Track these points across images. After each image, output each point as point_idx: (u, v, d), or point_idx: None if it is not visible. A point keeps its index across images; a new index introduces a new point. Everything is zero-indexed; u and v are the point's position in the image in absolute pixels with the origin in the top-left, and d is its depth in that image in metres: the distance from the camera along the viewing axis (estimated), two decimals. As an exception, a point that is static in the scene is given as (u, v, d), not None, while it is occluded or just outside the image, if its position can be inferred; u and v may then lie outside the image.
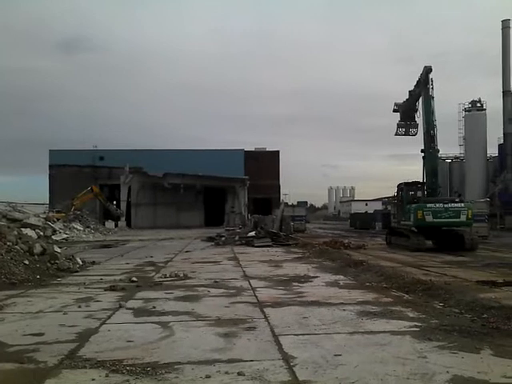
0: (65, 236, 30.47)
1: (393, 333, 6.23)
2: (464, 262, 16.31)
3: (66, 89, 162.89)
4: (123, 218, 52.04)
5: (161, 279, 11.65)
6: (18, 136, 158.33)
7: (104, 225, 46.22)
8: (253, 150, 66.01)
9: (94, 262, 15.51)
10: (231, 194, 58.49)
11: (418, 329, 6.46)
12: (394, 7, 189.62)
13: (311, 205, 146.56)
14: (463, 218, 21.29)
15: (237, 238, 26.63)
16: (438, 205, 21.49)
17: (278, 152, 66.64)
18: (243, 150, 63.44)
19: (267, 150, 67.10)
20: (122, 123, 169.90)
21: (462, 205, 22.06)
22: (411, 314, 7.41)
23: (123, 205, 54.82)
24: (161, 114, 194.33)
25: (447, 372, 4.68)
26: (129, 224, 53.52)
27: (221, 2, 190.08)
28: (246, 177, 57.74)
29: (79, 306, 8.23)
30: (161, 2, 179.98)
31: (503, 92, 52.58)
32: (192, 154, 59.02)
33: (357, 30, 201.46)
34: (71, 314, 7.62)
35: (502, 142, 54.06)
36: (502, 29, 52.41)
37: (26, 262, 11.87)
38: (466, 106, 56.34)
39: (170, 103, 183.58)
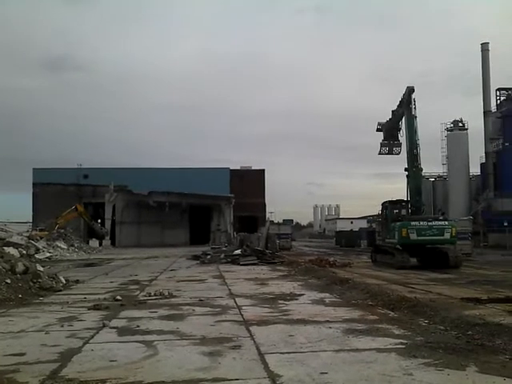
0: (48, 254, 30.08)
1: (378, 350, 6.22)
2: (449, 280, 16.39)
3: (51, 107, 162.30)
4: (108, 237, 51.63)
5: (145, 298, 11.53)
6: (1, 154, 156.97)
7: (88, 243, 45.81)
8: (238, 168, 66.20)
9: (77, 280, 15.32)
10: (217, 212, 58.40)
11: (403, 346, 6.46)
12: (377, 31, 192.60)
13: (297, 223, 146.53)
14: (447, 235, 21.45)
15: (222, 256, 26.52)
16: (422, 223, 21.65)
17: (263, 170, 66.96)
18: (229, 168, 63.64)
19: (253, 168, 67.33)
20: (107, 142, 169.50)
21: (446, 223, 22.26)
22: (397, 332, 7.41)
23: (108, 223, 54.39)
24: (147, 133, 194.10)
25: (433, 389, 4.68)
26: (113, 242, 53.10)
27: (207, 23, 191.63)
28: (232, 195, 57.79)
29: (62, 326, 8.11)
30: (148, 21, 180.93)
31: (484, 112, 53.49)
32: (178, 173, 58.99)
33: (341, 51, 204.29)
34: (54, 333, 7.50)
35: (483, 160, 54.89)
36: (482, 51, 53.48)
37: (8, 281, 11.68)
38: (448, 126, 57.15)
39: (156, 122, 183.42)
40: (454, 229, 21.76)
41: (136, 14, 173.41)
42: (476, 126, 76.78)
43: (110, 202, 55.00)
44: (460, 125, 56.56)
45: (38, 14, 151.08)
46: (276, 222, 55.91)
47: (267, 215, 65.84)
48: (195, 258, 27.61)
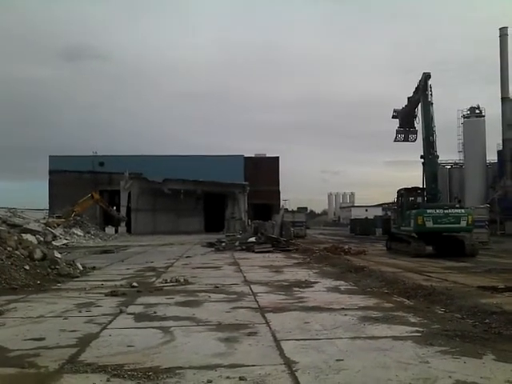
0: (65, 241, 30.46)
1: (395, 338, 6.22)
2: (465, 268, 16.29)
3: (67, 96, 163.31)
4: (123, 224, 52.05)
5: (161, 284, 11.63)
6: (18, 142, 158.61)
7: (104, 230, 46.22)
8: (253, 156, 66.06)
9: (94, 267, 15.50)
10: (231, 200, 58.50)
11: (419, 334, 6.44)
12: (392, 19, 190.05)
13: (311, 211, 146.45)
14: (463, 223, 21.28)
15: (237, 243, 26.62)
16: (438, 210, 21.48)
17: (277, 158, 66.70)
18: (243, 156, 63.48)
19: (267, 156, 67.15)
20: (123, 130, 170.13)
21: (463, 211, 22.07)
22: (413, 320, 7.39)
23: (123, 210, 54.92)
24: (162, 122, 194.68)
25: (449, 377, 4.67)
26: (129, 230, 53.52)
27: (225, 12, 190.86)
28: (246, 183, 57.77)
29: (80, 311, 8.22)
30: (165, 11, 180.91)
31: (502, 99, 52.65)
32: (192, 160, 59.07)
33: (358, 40, 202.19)
34: (72, 318, 7.61)
35: (501, 148, 54.11)
36: (500, 36, 52.58)
37: (27, 268, 11.85)
38: (464, 113, 56.44)
39: (171, 111, 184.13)
40: (470, 217, 21.57)
41: (154, 4, 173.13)
42: (493, 112, 75.62)
43: (125, 190, 55.41)
44: (477, 111, 55.85)
45: (56, 5, 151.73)
46: (290, 209, 55.71)
47: (281, 203, 65.99)
48: (210, 245, 27.75)
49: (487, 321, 7.01)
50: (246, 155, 64.12)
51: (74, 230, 37.43)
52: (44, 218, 40.75)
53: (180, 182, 54.87)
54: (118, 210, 55.07)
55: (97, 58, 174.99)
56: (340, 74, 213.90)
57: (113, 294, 10.00)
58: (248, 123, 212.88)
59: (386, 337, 6.29)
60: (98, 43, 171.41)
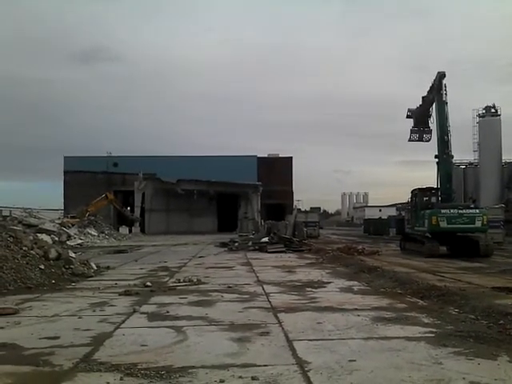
0: (79, 241, 30.70)
1: (408, 338, 6.18)
2: (479, 268, 16.13)
3: (81, 97, 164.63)
4: (137, 224, 52.35)
5: (175, 284, 11.68)
6: (34, 143, 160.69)
7: (118, 230, 46.52)
8: (266, 156, 66.05)
9: (108, 267, 15.61)
10: (244, 200, 58.56)
11: (433, 335, 6.40)
12: (405, 18, 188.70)
13: (324, 211, 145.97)
14: (478, 223, 21.08)
15: (250, 243, 26.65)
16: (452, 210, 21.31)
17: (291, 158, 66.62)
18: (256, 156, 63.53)
19: (280, 156, 67.09)
20: (136, 131, 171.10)
21: (477, 211, 21.86)
22: (426, 320, 7.35)
23: (137, 211, 55.31)
24: (175, 122, 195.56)
25: (463, 378, 4.63)
26: (142, 229, 53.84)
27: (236, 13, 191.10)
28: (259, 183, 57.79)
29: (94, 311, 8.29)
30: (177, 13, 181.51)
31: (518, 97, 52.11)
32: (205, 161, 59.32)
33: (371, 40, 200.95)
34: (86, 318, 7.67)
35: (517, 147, 53.51)
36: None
37: (42, 267, 11.98)
38: (480, 112, 55.89)
39: (184, 111, 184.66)
40: (485, 217, 21.36)
41: (166, 6, 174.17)
42: (509, 112, 74.82)
43: (139, 190, 55.74)
44: (492, 111, 55.23)
45: (72, 7, 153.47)
46: (303, 209, 55.61)
47: (294, 203, 65.91)
48: (223, 245, 27.80)
49: (502, 322, 6.93)
50: (259, 155, 64.18)
51: (88, 229, 37.70)
52: (59, 218, 41.16)
53: (193, 183, 55.06)
54: (132, 210, 55.47)
55: (110, 60, 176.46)
56: (353, 74, 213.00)
57: (126, 293, 10.06)
58: (261, 123, 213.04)
59: (398, 337, 6.26)
60: (112, 44, 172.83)
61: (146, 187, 56.37)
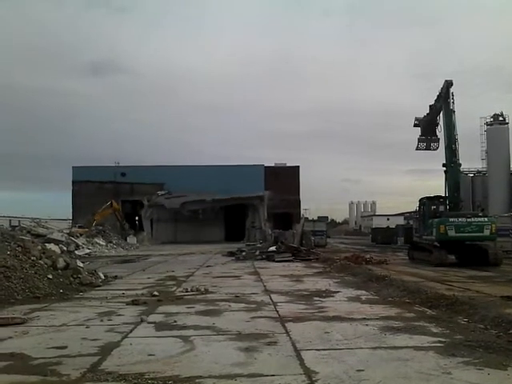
0: (87, 251, 30.80)
1: (416, 348, 6.14)
2: (488, 277, 16.02)
3: (91, 108, 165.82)
4: (145, 233, 52.46)
5: (182, 293, 11.68)
6: (42, 153, 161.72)
7: (126, 240, 46.57)
8: (273, 165, 66.08)
9: (116, 276, 15.63)
10: (251, 210, 58.57)
11: (441, 344, 6.36)
12: (410, 27, 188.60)
13: (332, 220, 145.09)
14: (487, 232, 20.93)
15: (257, 252, 26.60)
16: (460, 219, 21.19)
17: (298, 167, 66.47)
18: (263, 165, 63.57)
19: (287, 165, 67.09)
20: (144, 141, 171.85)
21: (486, 219, 21.71)
22: (435, 330, 7.30)
23: (146, 222, 55.45)
24: (182, 132, 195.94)
25: (473, 388, 4.60)
26: (150, 239, 53.89)
27: (242, 25, 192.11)
28: (266, 192, 57.76)
29: (101, 320, 8.30)
30: (184, 26, 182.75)
31: (526, 105, 52.00)
32: (213, 170, 59.46)
33: (375, 49, 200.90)
34: (93, 327, 7.69)
35: (525, 155, 53.28)
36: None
37: (50, 277, 12.01)
38: (487, 120, 55.73)
39: (191, 121, 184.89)
40: (493, 225, 21.22)
41: (174, 19, 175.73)
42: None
43: (146, 218, 56.08)
44: (500, 119, 55.11)
45: (83, 22, 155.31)
46: (311, 218, 55.48)
47: (302, 212, 65.77)
48: (230, 254, 27.79)
49: (511, 331, 6.88)
50: (266, 165, 64.22)
51: (96, 239, 37.82)
52: (67, 228, 41.29)
53: (198, 203, 55.18)
54: (141, 220, 55.75)
55: (118, 71, 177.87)
56: (358, 83, 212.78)
57: (134, 302, 10.07)
58: (267, 133, 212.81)
59: (407, 347, 6.22)
60: (120, 57, 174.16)
61: (152, 215, 56.78)
